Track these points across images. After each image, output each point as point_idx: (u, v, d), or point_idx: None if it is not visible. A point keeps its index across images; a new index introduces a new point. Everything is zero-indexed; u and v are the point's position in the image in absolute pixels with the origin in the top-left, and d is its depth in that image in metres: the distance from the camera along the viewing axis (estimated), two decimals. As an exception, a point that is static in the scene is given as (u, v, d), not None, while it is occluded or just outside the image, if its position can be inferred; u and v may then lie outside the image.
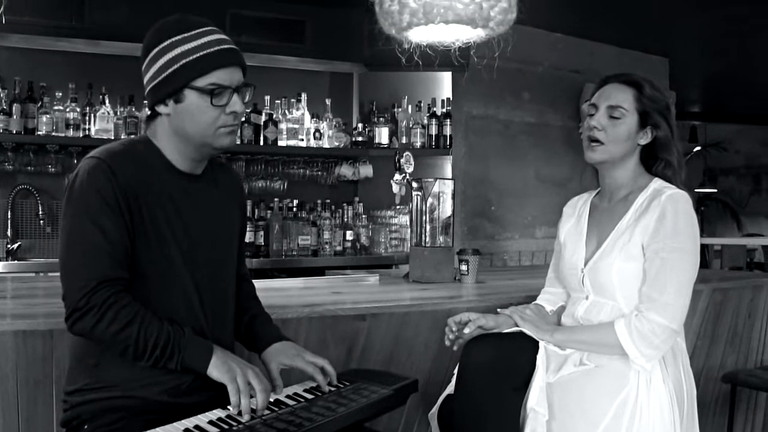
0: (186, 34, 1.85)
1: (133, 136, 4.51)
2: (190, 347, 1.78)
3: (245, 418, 1.72)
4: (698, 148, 12.07)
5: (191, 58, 1.83)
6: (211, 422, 1.70)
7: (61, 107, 4.55)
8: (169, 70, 1.84)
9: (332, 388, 1.98)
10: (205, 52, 1.84)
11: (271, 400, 1.83)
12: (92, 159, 1.82)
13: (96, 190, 1.78)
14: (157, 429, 1.64)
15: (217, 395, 1.79)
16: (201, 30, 1.87)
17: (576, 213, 2.50)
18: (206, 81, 1.84)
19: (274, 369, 2.00)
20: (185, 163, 1.95)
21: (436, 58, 3.39)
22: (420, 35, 3.02)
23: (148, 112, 1.97)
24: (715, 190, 12.62)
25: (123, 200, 1.80)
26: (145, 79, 1.90)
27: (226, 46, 1.88)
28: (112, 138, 4.53)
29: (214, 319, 1.96)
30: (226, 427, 1.68)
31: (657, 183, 2.30)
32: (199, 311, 1.91)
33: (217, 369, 1.78)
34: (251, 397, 1.75)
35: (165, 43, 1.85)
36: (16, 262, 4.61)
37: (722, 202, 12.83)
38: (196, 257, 1.92)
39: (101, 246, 1.76)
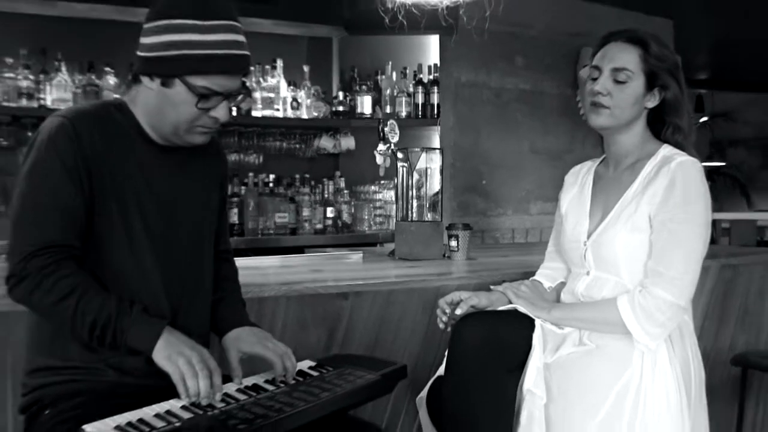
0: (200, 23, 1.79)
1: (108, 99, 4.48)
2: (134, 328, 1.75)
3: (203, 402, 1.71)
4: (705, 118, 12.09)
5: (195, 52, 1.79)
6: (183, 407, 1.70)
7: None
8: (167, 53, 1.80)
9: (315, 373, 1.98)
10: (211, 51, 1.80)
11: (220, 394, 1.78)
12: (57, 118, 1.82)
13: (56, 152, 1.78)
14: (125, 414, 1.64)
15: None
16: (218, 23, 1.81)
17: (579, 182, 2.50)
18: (200, 82, 1.82)
19: (233, 357, 1.97)
20: (159, 137, 1.95)
21: (422, 18, 3.38)
22: (405, -7, 3.02)
23: (131, 76, 1.95)
24: (723, 164, 12.67)
25: (84, 167, 1.80)
26: (141, 41, 1.85)
27: (236, 52, 1.84)
28: (71, 108, 4.48)
29: (181, 301, 1.95)
30: (200, 412, 1.68)
31: (666, 149, 2.30)
32: (161, 293, 1.90)
33: (159, 353, 1.75)
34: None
35: (175, 21, 1.79)
36: (-34, 243, 4.55)
37: (730, 176, 12.87)
38: (165, 233, 1.92)
39: (50, 209, 1.77)
